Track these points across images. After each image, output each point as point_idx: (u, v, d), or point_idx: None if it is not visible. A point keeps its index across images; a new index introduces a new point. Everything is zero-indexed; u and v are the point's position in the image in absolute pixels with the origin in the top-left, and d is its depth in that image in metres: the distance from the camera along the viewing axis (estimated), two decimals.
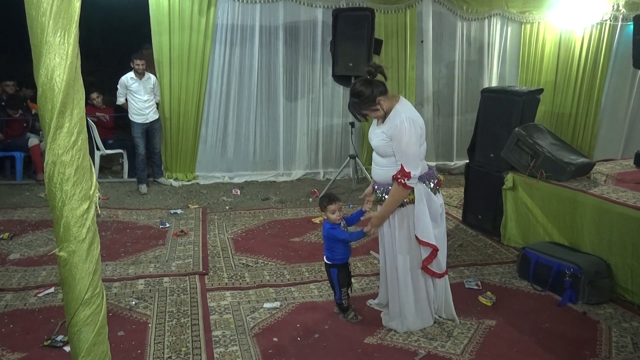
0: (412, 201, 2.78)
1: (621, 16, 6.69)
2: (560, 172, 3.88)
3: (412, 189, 2.74)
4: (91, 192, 1.62)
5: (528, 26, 7.16)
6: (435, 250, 2.82)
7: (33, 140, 6.11)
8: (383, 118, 2.79)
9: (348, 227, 3.02)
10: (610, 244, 3.43)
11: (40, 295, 3.28)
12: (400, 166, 2.68)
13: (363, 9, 5.87)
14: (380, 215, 2.81)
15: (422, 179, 2.79)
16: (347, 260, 3.03)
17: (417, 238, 2.81)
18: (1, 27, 7.59)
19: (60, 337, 2.76)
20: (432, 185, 2.84)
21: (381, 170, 2.84)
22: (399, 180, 2.68)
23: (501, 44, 7.19)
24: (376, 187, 2.92)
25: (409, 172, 2.66)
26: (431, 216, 2.81)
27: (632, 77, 7.21)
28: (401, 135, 2.65)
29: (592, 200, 3.58)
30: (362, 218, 2.99)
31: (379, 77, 2.77)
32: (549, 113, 7.47)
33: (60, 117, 1.53)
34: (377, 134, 2.81)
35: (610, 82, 7.31)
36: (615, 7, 6.69)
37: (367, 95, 2.70)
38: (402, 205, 2.79)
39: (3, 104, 6.24)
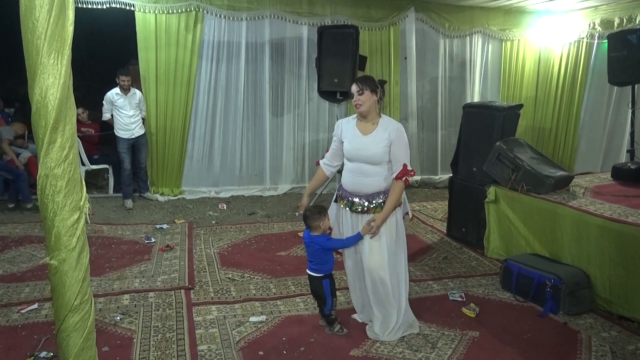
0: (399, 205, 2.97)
1: (597, 34, 6.90)
2: (540, 185, 3.98)
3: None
4: (81, 203, 1.69)
5: (508, 43, 7.38)
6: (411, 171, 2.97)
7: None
8: (363, 117, 2.95)
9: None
10: (589, 255, 3.52)
11: (23, 311, 3.25)
12: (402, 166, 2.86)
13: (348, 27, 5.99)
14: (384, 215, 2.87)
15: None
16: None
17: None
18: None
19: (43, 354, 2.74)
20: None
21: (372, 179, 2.90)
22: (406, 178, 2.89)
23: (482, 61, 7.38)
24: (356, 199, 2.95)
25: (412, 169, 2.93)
26: None
27: (609, 93, 7.38)
28: (404, 137, 2.91)
29: (571, 213, 3.68)
30: (366, 222, 2.91)
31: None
32: (530, 128, 7.65)
33: (53, 132, 1.60)
34: (374, 142, 2.88)
35: (588, 97, 7.47)
36: (592, 25, 6.90)
37: (375, 83, 2.96)
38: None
39: None
